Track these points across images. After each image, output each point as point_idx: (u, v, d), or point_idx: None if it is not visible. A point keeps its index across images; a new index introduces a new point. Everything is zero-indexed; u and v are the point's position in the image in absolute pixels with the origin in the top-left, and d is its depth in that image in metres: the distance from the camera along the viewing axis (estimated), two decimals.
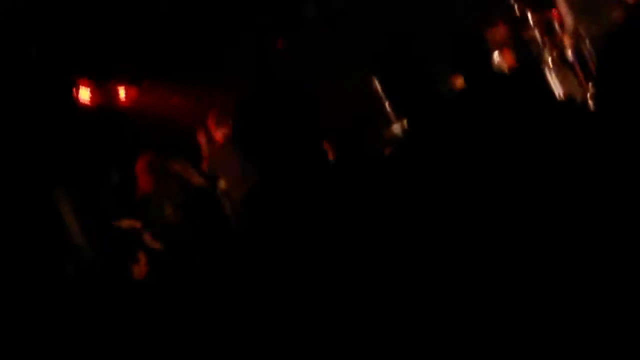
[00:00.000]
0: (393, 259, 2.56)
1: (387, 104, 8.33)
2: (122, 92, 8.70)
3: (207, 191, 3.87)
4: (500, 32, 8.14)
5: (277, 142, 3.54)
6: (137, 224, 7.13)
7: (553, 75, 7.86)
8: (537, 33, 8.05)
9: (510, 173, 2.47)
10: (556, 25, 8.15)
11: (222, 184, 7.45)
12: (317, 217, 2.98)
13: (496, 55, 7.78)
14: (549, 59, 8.04)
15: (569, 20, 7.71)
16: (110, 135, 8.67)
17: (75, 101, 8.21)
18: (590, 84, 7.55)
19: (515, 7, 8.24)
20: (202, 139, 8.17)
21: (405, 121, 7.06)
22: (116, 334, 5.29)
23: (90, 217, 8.44)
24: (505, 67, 7.72)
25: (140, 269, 6.50)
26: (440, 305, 2.51)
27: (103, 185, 8.43)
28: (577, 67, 7.84)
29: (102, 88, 8.51)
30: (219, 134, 8.03)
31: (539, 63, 7.97)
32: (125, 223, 7.27)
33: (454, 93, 7.19)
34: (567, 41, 7.92)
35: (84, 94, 8.26)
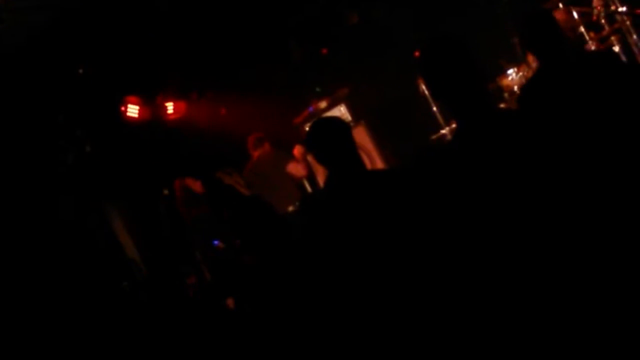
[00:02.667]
0: (465, 254, 2.55)
1: (434, 107, 8.33)
2: (170, 106, 8.77)
3: (260, 202, 3.88)
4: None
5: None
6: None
7: None
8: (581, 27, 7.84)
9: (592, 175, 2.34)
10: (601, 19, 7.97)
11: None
12: (375, 219, 2.99)
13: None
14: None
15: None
16: (160, 149, 8.73)
17: (124, 118, 8.29)
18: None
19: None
20: (251, 151, 8.27)
21: (454, 124, 7.04)
22: (172, 345, 5.34)
23: (143, 232, 8.51)
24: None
25: (192, 283, 6.54)
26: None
27: (155, 200, 8.50)
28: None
29: (150, 103, 8.58)
30: (256, 154, 8.16)
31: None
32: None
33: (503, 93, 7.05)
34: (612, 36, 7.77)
35: (132, 110, 8.34)
